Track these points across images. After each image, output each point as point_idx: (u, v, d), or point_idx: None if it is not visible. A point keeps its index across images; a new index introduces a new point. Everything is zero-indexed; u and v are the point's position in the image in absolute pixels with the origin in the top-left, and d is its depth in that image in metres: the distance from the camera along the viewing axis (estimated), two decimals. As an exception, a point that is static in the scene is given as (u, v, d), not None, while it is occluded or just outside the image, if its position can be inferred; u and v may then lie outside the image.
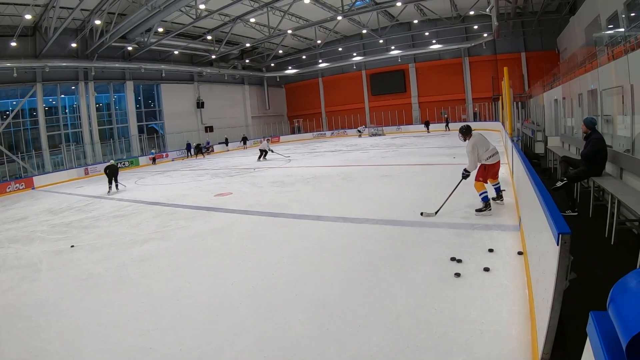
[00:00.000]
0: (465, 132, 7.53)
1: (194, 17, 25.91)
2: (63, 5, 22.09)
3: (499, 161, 7.45)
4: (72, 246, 8.16)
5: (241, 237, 7.38)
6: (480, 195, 7.24)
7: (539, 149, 15.01)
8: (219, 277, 5.45)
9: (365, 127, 41.50)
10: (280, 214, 8.86)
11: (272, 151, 25.07)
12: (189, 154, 34.48)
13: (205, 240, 7.41)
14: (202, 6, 24.45)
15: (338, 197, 10.31)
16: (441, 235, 6.21)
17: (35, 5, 23.25)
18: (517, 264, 4.80)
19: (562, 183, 6.56)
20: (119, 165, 29.69)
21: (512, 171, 9.77)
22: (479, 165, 7.42)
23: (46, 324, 4.66)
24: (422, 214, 7.55)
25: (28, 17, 21.90)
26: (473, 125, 8.76)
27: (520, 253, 5.07)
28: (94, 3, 23.84)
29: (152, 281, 5.65)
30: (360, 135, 40.62)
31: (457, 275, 4.63)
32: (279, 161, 22.04)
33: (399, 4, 26.26)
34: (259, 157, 24.23)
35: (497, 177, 7.63)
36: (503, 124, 22.41)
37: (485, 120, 34.90)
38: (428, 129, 35.91)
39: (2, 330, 4.60)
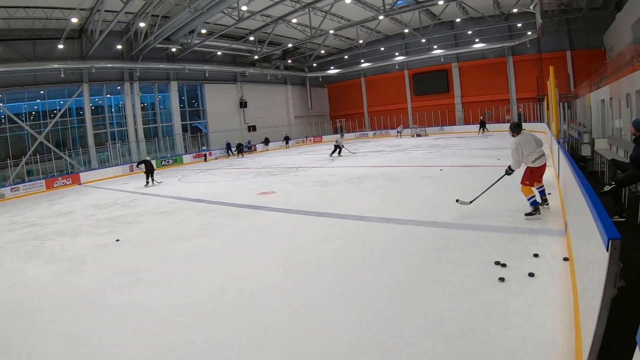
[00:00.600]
0: (514, 129, 7.08)
1: (237, 18, 26.25)
2: (108, 9, 22.81)
3: (546, 164, 7.00)
4: (118, 240, 8.34)
5: (284, 235, 7.32)
6: (528, 199, 6.88)
7: (585, 151, 14.37)
8: (261, 275, 5.39)
9: (402, 126, 41.06)
10: (324, 213, 8.75)
11: (344, 147, 24.99)
12: (230, 153, 34.85)
13: (248, 238, 7.39)
14: (244, 7, 24.73)
15: (381, 198, 10.11)
16: (486, 239, 5.98)
17: (81, 9, 24.17)
18: (563, 270, 4.56)
19: (609, 187, 6.23)
20: (163, 163, 30.72)
21: (558, 174, 9.32)
22: (525, 167, 7.03)
23: (90, 314, 4.74)
24: (457, 200, 7.80)
25: (74, 20, 22.70)
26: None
27: (566, 259, 4.82)
28: (138, 6, 24.47)
29: (195, 277, 5.66)
30: (399, 136, 40.21)
31: (502, 279, 4.43)
32: (322, 161, 21.97)
33: (440, 2, 25.73)
34: (332, 153, 24.43)
35: (542, 179, 7.17)
36: (548, 125, 21.65)
37: (529, 121, 33.66)
38: (483, 129, 34.15)
39: (48, 319, 4.71)
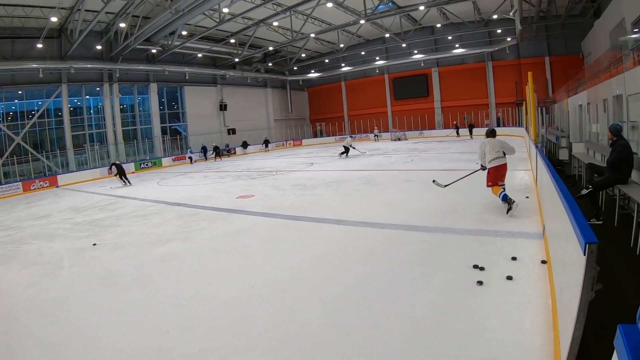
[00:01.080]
0: (488, 134, 8.14)
1: (218, 20, 26.21)
2: (88, 8, 22.50)
3: (504, 165, 7.72)
4: (94, 244, 8.25)
5: (262, 239, 7.37)
6: (499, 196, 7.55)
7: (563, 155, 14.74)
8: (239, 279, 5.44)
9: (379, 130, 41.84)
10: (302, 217, 8.82)
11: (354, 147, 25.30)
12: (205, 157, 34.65)
13: (226, 242, 7.43)
14: (225, 9, 24.71)
15: (359, 202, 10.24)
16: (463, 242, 6.11)
17: (61, 8, 23.80)
18: (541, 272, 4.68)
19: (587, 191, 6.38)
20: (142, 165, 30.47)
21: (536, 178, 9.54)
22: (486, 169, 7.88)
23: (66, 320, 4.71)
24: (434, 181, 8.91)
25: (54, 19, 22.40)
26: (497, 130, 8.87)
27: (543, 262, 4.94)
28: (119, 6, 24.21)
29: (173, 281, 5.67)
30: (376, 140, 40.88)
31: (480, 283, 4.53)
32: (302, 164, 22.10)
33: (421, 7, 26.08)
34: (342, 153, 24.74)
35: (504, 180, 7.87)
36: (527, 129, 22.10)
37: (508, 126, 34.39)
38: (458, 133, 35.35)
39: (23, 326, 4.67)
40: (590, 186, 6.43)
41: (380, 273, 5.21)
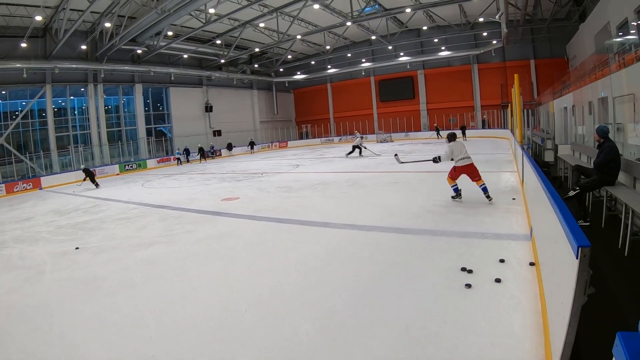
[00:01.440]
0: (450, 138, 9.31)
1: (204, 21, 26.02)
2: (73, 7, 22.23)
3: (470, 164, 8.83)
4: (77, 248, 8.09)
5: (247, 243, 7.27)
6: (452, 187, 9.16)
7: (548, 157, 14.85)
8: (224, 284, 5.33)
9: (360, 133, 41.58)
10: (287, 220, 8.75)
11: (365, 147, 25.07)
12: (188, 159, 34.20)
13: (211, 245, 7.32)
14: (211, 10, 24.56)
15: (345, 204, 10.20)
16: (451, 244, 6.08)
17: (46, 7, 23.49)
18: (529, 275, 4.66)
19: (574, 192, 6.43)
20: (126, 167, 30.13)
21: (523, 179, 9.58)
22: (452, 165, 9.13)
23: (48, 327, 4.57)
24: (396, 155, 11.59)
25: (38, 18, 22.06)
26: (482, 132, 9.08)
27: (532, 264, 4.92)
28: (105, 6, 23.95)
29: (156, 286, 5.56)
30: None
31: (468, 286, 4.48)
32: (287, 166, 22.01)
33: (408, 10, 26.28)
34: (350, 153, 24.65)
35: (480, 179, 8.85)
36: (512, 131, 22.26)
37: (493, 128, 34.73)
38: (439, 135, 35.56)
39: (3, 332, 4.53)
40: (578, 188, 6.47)
41: (367, 277, 5.14)
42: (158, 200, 13.62)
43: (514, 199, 8.76)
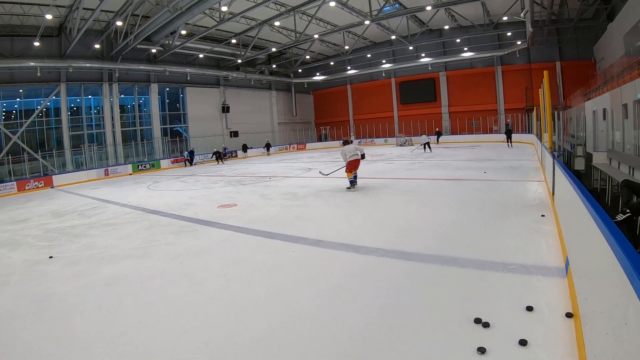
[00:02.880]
0: (343, 143, 13.67)
1: (218, 19, 25.34)
2: (87, 7, 21.84)
3: (357, 160, 12.48)
4: (51, 257, 7.51)
5: (224, 262, 6.31)
6: (349, 179, 12.53)
7: (579, 165, 13.60)
8: (176, 319, 4.36)
9: (354, 135, 43.11)
10: (278, 235, 7.68)
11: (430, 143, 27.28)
12: (191, 163, 32.89)
13: (184, 263, 6.37)
14: (224, 8, 23.91)
15: (348, 216, 9.09)
16: (463, 278, 4.84)
17: (59, 6, 23.44)
18: (566, 334, 3.35)
19: (624, 216, 4.89)
20: (139, 167, 29.66)
21: (553, 192, 8.32)
22: (347, 161, 12.47)
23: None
24: (320, 172, 14.28)
25: (49, 17, 21.82)
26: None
27: (569, 315, 3.60)
28: (119, 5, 23.58)
29: (104, 313, 4.71)
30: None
31: (481, 351, 3.18)
32: (299, 170, 21.10)
33: (429, 7, 25.03)
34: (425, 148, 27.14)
35: (356, 170, 12.57)
36: (539, 136, 20.95)
37: (517, 132, 33.14)
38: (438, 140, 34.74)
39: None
40: (629, 210, 4.95)
41: (356, 320, 4.00)
42: (155, 205, 12.86)
43: (543, 215, 7.46)
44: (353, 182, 12.32)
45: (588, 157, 12.79)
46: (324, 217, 9.11)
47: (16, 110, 27.01)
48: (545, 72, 8.17)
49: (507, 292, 4.35)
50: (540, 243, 5.98)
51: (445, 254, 5.84)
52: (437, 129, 36.22)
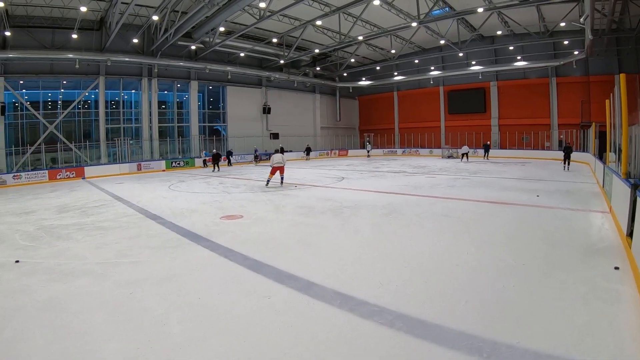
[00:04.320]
0: (275, 151, 17.74)
1: (257, 17, 24.40)
2: (125, 1, 21.50)
3: (281, 167, 16.36)
4: (17, 261, 6.81)
5: (183, 302, 4.77)
6: (267, 179, 16.57)
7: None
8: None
9: (371, 145, 42.24)
10: (264, 265, 6.08)
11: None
12: (205, 164, 31.40)
13: (135, 294, 5.05)
14: (262, 4, 22.93)
15: (361, 247, 7.17)
16: None
17: (99, 0, 23.65)
18: None
19: None
20: (173, 164, 29.15)
21: (629, 235, 6.17)
22: (272, 166, 16.27)
23: None
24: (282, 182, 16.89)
25: (83, 9, 21.57)
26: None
27: None
28: (159, 0, 23.06)
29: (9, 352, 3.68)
30: (368, 155, 40.26)
31: None
32: (332, 178, 19.75)
33: (480, 9, 22.99)
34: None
35: (282, 173, 16.70)
36: (598, 156, 18.72)
37: (577, 151, 30.25)
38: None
39: None
40: None
41: None
42: (160, 208, 11.83)
43: (616, 268, 5.39)
44: (268, 182, 16.57)
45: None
46: (330, 246, 7.27)
47: (57, 101, 27.31)
48: (622, 76, 6.41)
49: None
50: (619, 320, 4.02)
51: (479, 334, 3.81)
52: (486, 142, 33.47)
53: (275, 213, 10.60)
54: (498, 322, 4.06)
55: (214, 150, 28.04)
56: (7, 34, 22.57)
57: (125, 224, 9.66)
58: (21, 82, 25.55)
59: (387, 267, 5.91)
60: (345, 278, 5.49)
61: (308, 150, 38.44)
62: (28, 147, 25.35)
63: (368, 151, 41.32)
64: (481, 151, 32.74)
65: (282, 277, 5.58)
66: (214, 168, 26.59)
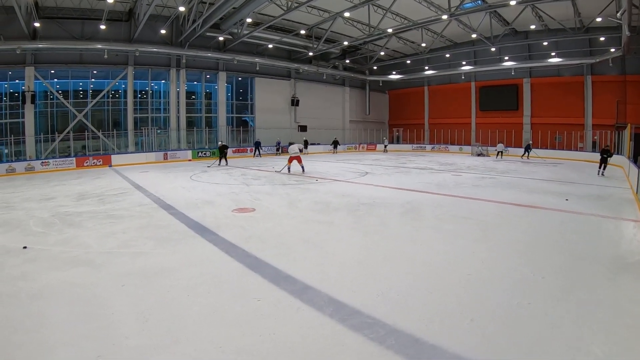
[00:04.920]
0: (289, 144, 17.97)
1: (285, 8, 24.18)
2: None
3: (297, 156, 18.72)
4: (25, 247, 6.90)
5: (170, 299, 4.61)
6: (285, 166, 19.06)
7: None
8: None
9: (388, 140, 42.00)
10: (263, 264, 5.82)
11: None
12: (257, 154, 32.56)
13: (125, 286, 4.96)
14: (288, -5, 22.73)
15: (367, 251, 6.69)
16: None
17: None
18: None
19: None
20: (199, 154, 29.35)
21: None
22: (290, 156, 18.88)
23: None
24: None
25: (111, 1, 21.64)
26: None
27: None
28: (187, -9, 23.10)
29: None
30: (385, 150, 40.02)
31: None
32: (355, 173, 19.38)
33: (513, 2, 22.09)
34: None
35: (301, 163, 18.75)
36: (635, 160, 17.83)
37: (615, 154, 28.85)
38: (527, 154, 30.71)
39: None
40: None
41: None
42: (176, 199, 11.80)
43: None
44: (289, 169, 19.03)
45: None
46: (336, 247, 6.86)
47: (86, 90, 27.87)
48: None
49: None
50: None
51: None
52: (528, 142, 32.06)
53: (288, 208, 10.37)
54: (503, 348, 3.60)
55: (220, 142, 27.44)
56: (37, 25, 22.97)
57: (138, 214, 9.66)
58: (52, 71, 26.11)
59: (391, 273, 5.51)
60: (344, 283, 5.14)
61: (335, 144, 38.09)
62: (57, 135, 25.91)
63: (385, 146, 40.99)
64: (514, 150, 31.82)
65: (279, 278, 5.30)
66: (220, 161, 25.17)
